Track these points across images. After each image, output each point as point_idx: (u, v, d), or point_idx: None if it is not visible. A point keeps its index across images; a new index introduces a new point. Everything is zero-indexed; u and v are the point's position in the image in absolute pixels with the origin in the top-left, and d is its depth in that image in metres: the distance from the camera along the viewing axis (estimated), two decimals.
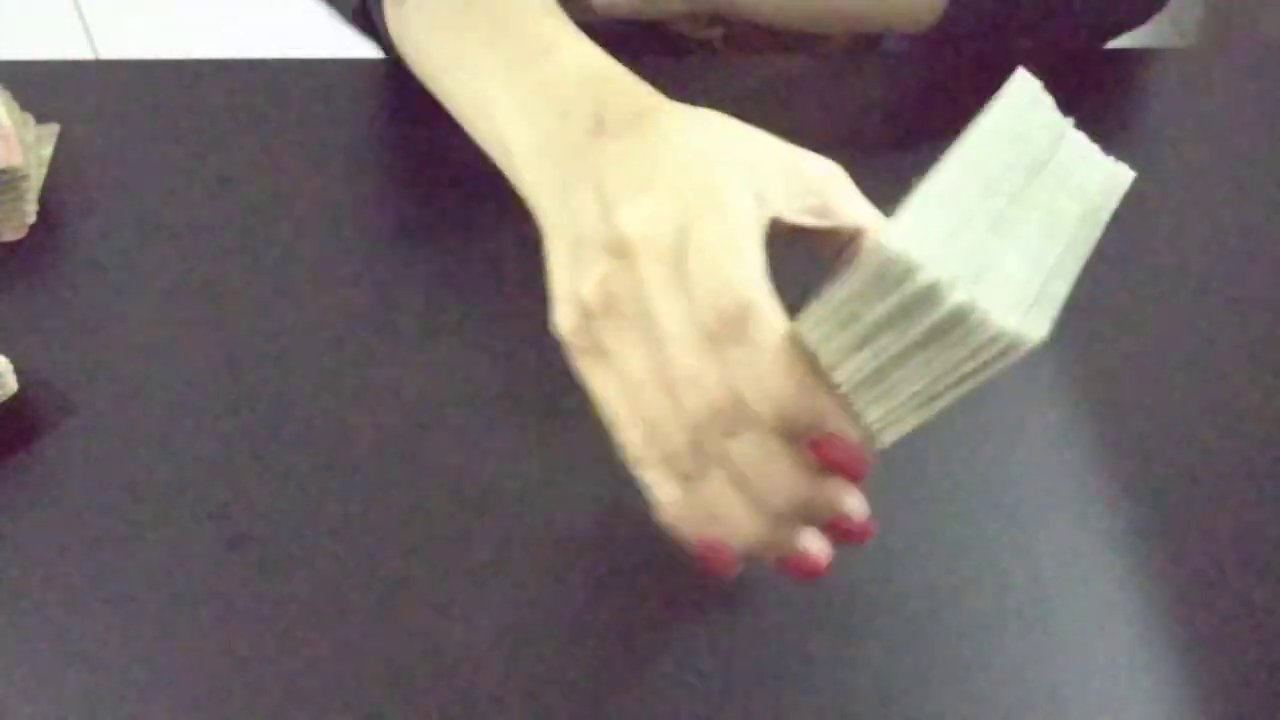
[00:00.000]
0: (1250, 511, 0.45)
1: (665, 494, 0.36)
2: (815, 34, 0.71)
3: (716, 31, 0.69)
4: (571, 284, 0.37)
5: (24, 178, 0.58)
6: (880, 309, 0.32)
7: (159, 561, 0.44)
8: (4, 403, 0.48)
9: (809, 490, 0.35)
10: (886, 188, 0.60)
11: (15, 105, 0.63)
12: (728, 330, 0.33)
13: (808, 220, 0.36)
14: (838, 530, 0.36)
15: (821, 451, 0.34)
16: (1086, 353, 0.50)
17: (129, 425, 0.49)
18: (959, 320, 0.31)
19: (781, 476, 0.34)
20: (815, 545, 0.37)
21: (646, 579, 0.43)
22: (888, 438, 0.35)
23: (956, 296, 0.31)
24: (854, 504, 0.36)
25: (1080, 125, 0.36)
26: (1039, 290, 0.32)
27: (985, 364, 0.32)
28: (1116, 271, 0.54)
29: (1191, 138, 0.62)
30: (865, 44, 0.73)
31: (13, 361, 0.48)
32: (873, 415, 0.34)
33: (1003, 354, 0.32)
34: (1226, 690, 0.39)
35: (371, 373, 0.51)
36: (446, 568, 0.44)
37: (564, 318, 0.37)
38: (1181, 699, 0.39)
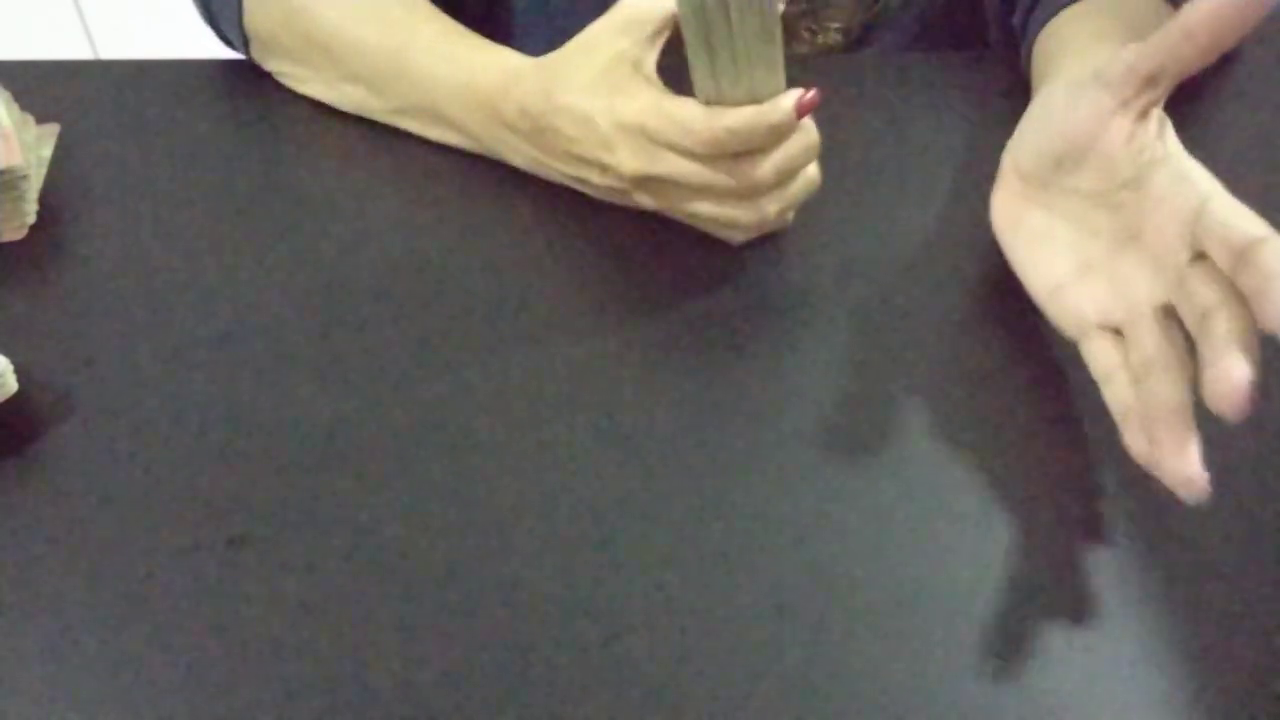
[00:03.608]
0: (1254, 509, 0.45)
1: (747, 214, 0.53)
2: (809, 38, 0.72)
3: None
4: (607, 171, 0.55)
5: (24, 178, 0.58)
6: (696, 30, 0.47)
7: (159, 561, 0.44)
8: (4, 403, 0.48)
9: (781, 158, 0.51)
10: (885, 187, 0.60)
11: (15, 105, 0.63)
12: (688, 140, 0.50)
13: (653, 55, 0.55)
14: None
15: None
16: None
17: (129, 425, 0.49)
18: None
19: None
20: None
21: (647, 578, 0.43)
22: (770, 86, 0.49)
23: None
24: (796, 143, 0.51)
25: None
26: None
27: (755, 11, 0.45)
28: None
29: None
30: (854, 31, 0.73)
31: (13, 361, 0.48)
32: (751, 89, 0.49)
33: None
34: (1227, 690, 0.39)
35: (371, 372, 0.51)
36: (447, 567, 0.44)
37: (623, 185, 0.55)
38: (1182, 698, 0.39)
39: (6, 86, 0.63)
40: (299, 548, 0.45)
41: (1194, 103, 0.64)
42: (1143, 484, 0.46)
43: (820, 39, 0.73)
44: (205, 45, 0.70)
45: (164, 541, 0.45)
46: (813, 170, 0.54)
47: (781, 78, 0.49)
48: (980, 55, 0.71)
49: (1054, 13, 0.61)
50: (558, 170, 0.57)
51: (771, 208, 0.53)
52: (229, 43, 0.68)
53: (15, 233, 0.58)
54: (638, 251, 0.57)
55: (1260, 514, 0.45)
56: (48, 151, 0.63)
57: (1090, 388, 0.49)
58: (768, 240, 0.57)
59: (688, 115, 0.49)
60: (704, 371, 0.51)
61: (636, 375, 0.51)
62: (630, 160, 0.52)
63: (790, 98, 0.49)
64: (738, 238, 0.55)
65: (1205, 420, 0.48)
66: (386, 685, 0.40)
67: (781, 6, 0.49)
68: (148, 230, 0.59)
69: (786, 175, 0.52)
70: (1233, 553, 0.43)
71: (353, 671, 0.41)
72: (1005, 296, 0.52)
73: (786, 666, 0.40)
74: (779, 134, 0.50)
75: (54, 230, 0.59)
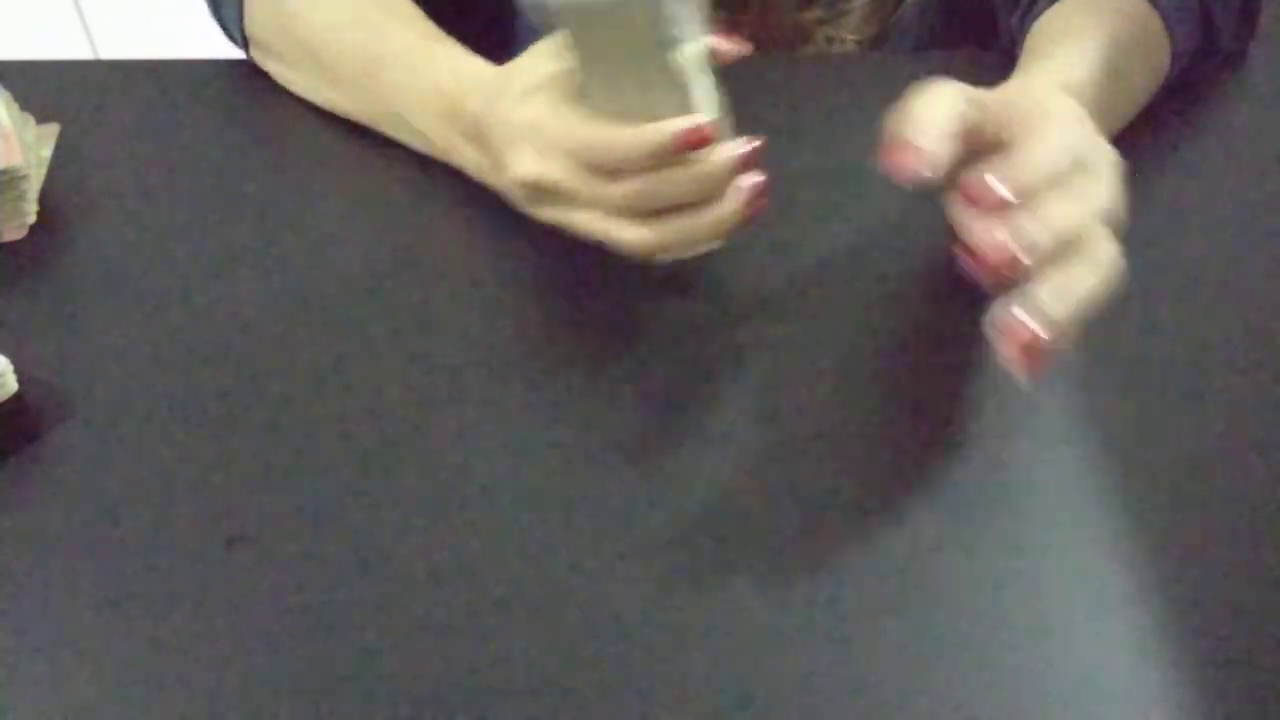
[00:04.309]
0: (1252, 509, 0.45)
1: (632, 235, 0.49)
2: (825, 45, 0.72)
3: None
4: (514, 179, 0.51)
5: (24, 178, 0.58)
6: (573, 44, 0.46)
7: (159, 561, 0.44)
8: (4, 403, 0.48)
9: (677, 177, 0.48)
10: (885, 187, 0.60)
11: (15, 105, 0.63)
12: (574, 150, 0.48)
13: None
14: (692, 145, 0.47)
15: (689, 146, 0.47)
16: (1087, 352, 0.50)
17: (129, 425, 0.49)
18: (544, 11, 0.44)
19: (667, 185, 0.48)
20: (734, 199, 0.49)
21: (646, 579, 0.43)
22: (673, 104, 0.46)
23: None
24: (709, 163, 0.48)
25: None
26: None
27: (626, 30, 0.44)
28: None
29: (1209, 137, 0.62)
30: (866, 44, 0.73)
31: (13, 361, 0.48)
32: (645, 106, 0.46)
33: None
34: (1227, 690, 0.39)
35: (371, 372, 0.51)
36: (446, 567, 0.44)
37: (521, 194, 0.52)
38: (1181, 698, 0.39)
39: (6, 86, 0.63)
40: (299, 548, 0.45)
41: (1194, 102, 0.64)
42: (1143, 483, 0.46)
43: (836, 48, 0.73)
44: (205, 45, 0.70)
45: (163, 541, 0.45)
46: (727, 209, 0.49)
47: (689, 103, 0.46)
48: (983, 55, 0.71)
49: (1041, 10, 0.62)
50: (493, 179, 0.56)
51: (666, 237, 0.49)
52: (236, 43, 0.69)
53: (15, 233, 0.58)
54: (621, 256, 0.57)
55: (1261, 513, 0.45)
56: (48, 151, 0.63)
57: (1089, 387, 0.49)
58: (765, 241, 0.56)
59: (576, 121, 0.48)
60: (701, 370, 0.51)
61: (634, 374, 0.51)
62: (526, 163, 0.49)
63: (677, 125, 0.46)
64: (646, 260, 0.51)
65: (1208, 424, 0.48)
66: (386, 685, 0.40)
67: (706, 41, 0.47)
68: (147, 230, 0.59)
69: (662, 201, 0.48)
70: (1233, 552, 0.43)
71: (353, 671, 0.41)
72: None
73: (786, 664, 0.40)
74: (654, 158, 0.46)
75: (54, 230, 0.59)
